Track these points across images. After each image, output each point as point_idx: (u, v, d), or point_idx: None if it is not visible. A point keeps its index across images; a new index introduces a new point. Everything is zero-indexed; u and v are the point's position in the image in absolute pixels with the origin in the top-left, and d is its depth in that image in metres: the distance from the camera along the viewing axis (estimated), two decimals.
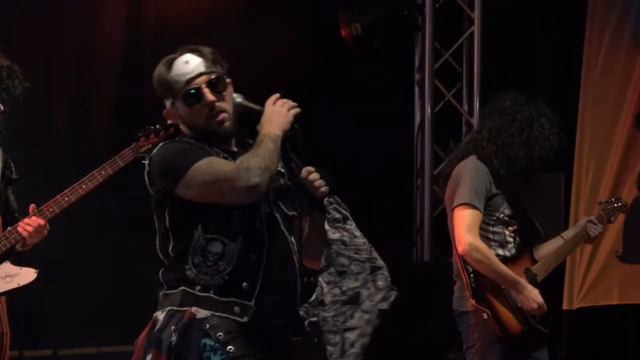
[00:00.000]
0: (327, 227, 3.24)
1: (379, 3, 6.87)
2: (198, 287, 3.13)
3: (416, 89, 7.18)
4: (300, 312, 3.24)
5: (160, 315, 3.18)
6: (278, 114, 3.23)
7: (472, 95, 7.13)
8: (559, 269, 6.46)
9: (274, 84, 6.85)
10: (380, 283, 3.25)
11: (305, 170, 3.26)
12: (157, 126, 4.63)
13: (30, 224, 4.53)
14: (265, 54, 6.80)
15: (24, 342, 5.93)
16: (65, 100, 6.21)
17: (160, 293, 3.23)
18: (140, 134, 4.65)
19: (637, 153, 6.51)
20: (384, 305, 3.25)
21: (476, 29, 7.04)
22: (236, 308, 3.11)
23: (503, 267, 4.38)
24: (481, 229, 4.45)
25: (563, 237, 4.77)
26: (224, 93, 3.26)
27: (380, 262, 3.27)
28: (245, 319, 3.11)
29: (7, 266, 4.59)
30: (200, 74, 3.22)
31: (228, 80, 3.32)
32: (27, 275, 4.64)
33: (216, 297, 3.11)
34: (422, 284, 6.21)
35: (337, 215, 3.24)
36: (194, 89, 3.20)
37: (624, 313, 6.55)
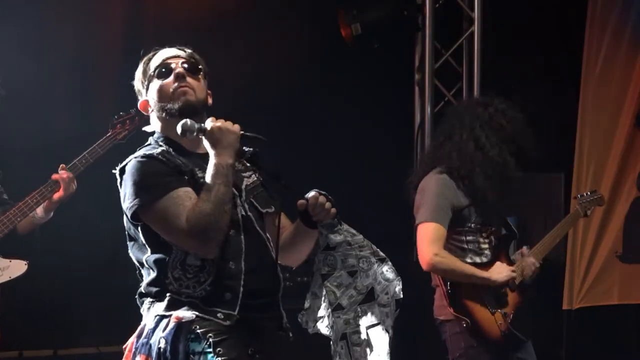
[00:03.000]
0: (324, 232, 3.24)
1: (379, 3, 6.87)
2: (183, 296, 3.13)
3: (416, 89, 7.17)
4: (281, 309, 3.25)
5: (148, 321, 3.18)
6: (226, 132, 3.13)
7: (472, 95, 7.12)
8: (560, 268, 6.48)
9: (274, 84, 6.90)
10: (389, 275, 3.26)
11: (312, 197, 3.21)
12: (132, 111, 4.62)
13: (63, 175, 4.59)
14: (265, 54, 6.81)
15: (24, 342, 5.93)
16: (65, 100, 6.21)
17: (145, 303, 3.22)
18: (115, 121, 4.66)
19: (637, 153, 6.52)
20: (399, 295, 3.26)
21: (476, 29, 7.03)
22: (220, 314, 3.11)
23: (469, 269, 4.42)
24: (455, 240, 4.47)
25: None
26: (199, 78, 3.27)
27: (382, 253, 3.29)
28: (229, 322, 3.11)
29: None
30: (177, 56, 3.26)
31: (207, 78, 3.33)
32: (17, 267, 4.65)
33: (201, 305, 3.11)
34: (422, 284, 6.20)
35: (331, 221, 3.24)
36: (167, 63, 3.24)
37: (624, 313, 6.55)
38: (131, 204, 3.12)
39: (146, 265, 3.20)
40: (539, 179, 6.59)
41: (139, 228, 3.17)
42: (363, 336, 3.21)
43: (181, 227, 3.04)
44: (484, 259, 4.50)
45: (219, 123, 3.14)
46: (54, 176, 4.66)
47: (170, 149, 3.19)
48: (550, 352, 6.41)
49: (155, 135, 3.28)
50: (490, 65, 7.02)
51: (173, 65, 3.24)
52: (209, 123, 3.14)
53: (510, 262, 4.56)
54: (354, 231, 3.28)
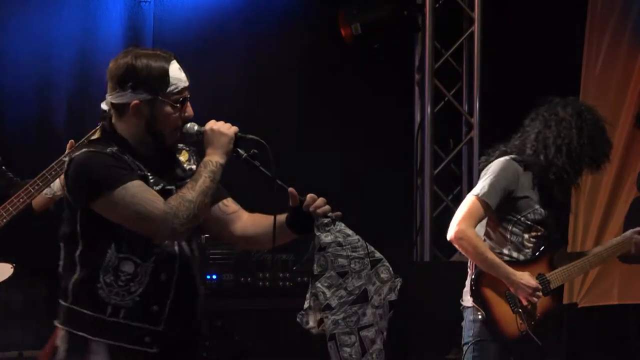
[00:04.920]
0: (317, 232, 3.23)
1: (379, 3, 6.87)
2: (109, 310, 3.11)
3: (416, 89, 7.18)
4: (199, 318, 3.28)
5: (61, 343, 3.19)
6: (219, 135, 3.20)
7: (472, 95, 7.12)
8: None
9: (274, 84, 6.90)
10: (383, 275, 3.25)
11: (309, 197, 3.23)
12: None
13: None
14: (264, 54, 6.81)
15: (24, 342, 5.93)
16: (65, 100, 6.21)
17: (65, 305, 3.20)
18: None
19: (637, 153, 6.51)
20: (393, 297, 3.26)
21: (476, 29, 7.04)
22: (147, 338, 3.13)
23: (492, 257, 4.35)
24: (501, 227, 4.43)
25: (587, 253, 4.71)
26: None
27: (378, 254, 3.27)
28: (155, 349, 3.13)
29: None
30: (187, 87, 3.25)
31: None
32: (3, 271, 4.61)
33: (126, 322, 3.12)
34: (422, 284, 6.21)
35: (325, 220, 3.24)
36: (185, 97, 3.24)
37: (624, 313, 6.55)
38: (90, 191, 3.08)
39: (76, 262, 3.16)
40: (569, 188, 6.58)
41: (78, 217, 3.14)
42: (354, 337, 3.21)
43: (158, 210, 3.06)
44: (522, 257, 4.44)
45: (214, 125, 3.21)
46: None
47: (124, 150, 3.17)
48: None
49: (112, 135, 3.23)
50: (490, 65, 7.02)
51: (187, 101, 3.24)
52: (207, 126, 3.22)
53: (552, 268, 4.50)
54: (349, 232, 3.26)
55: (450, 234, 4.38)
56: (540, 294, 4.38)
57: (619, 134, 6.52)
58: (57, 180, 4.56)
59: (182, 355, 3.23)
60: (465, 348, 4.45)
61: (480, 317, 4.35)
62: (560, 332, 4.54)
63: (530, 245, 4.46)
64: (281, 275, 6.00)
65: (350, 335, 3.19)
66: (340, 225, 3.25)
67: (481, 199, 4.36)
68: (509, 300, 4.37)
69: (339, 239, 3.22)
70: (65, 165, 3.17)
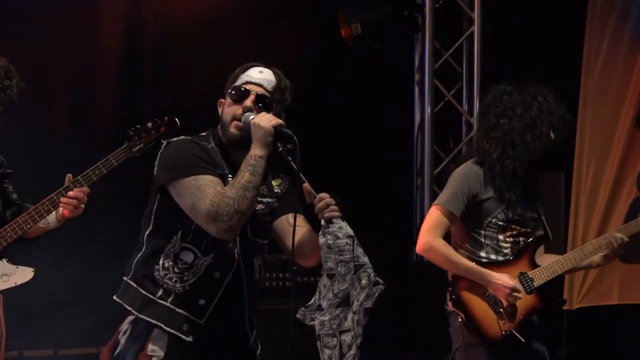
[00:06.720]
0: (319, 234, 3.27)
1: (379, 3, 6.87)
2: (160, 292, 3.27)
3: (416, 89, 7.18)
4: (247, 331, 3.40)
5: (124, 326, 3.35)
6: (257, 128, 3.27)
7: (472, 95, 7.13)
8: None
9: None
10: (363, 281, 3.27)
11: (317, 197, 3.29)
12: (149, 124, 4.62)
13: (74, 197, 4.51)
14: (265, 54, 6.80)
15: (24, 342, 5.94)
16: (65, 101, 6.22)
17: (125, 280, 3.37)
18: (132, 133, 4.65)
19: (637, 153, 6.51)
20: (369, 304, 3.27)
21: (476, 29, 7.04)
22: (185, 326, 3.25)
23: (464, 262, 4.35)
24: (475, 232, 4.41)
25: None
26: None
27: (363, 259, 3.29)
28: (191, 338, 3.25)
29: (4, 265, 4.59)
30: (259, 84, 3.36)
31: (281, 115, 3.44)
32: (23, 274, 4.64)
33: (172, 306, 3.26)
34: (422, 284, 6.21)
35: (322, 222, 3.26)
36: (244, 88, 3.34)
37: (624, 313, 6.55)
38: (169, 173, 3.25)
39: (144, 241, 3.34)
40: (539, 179, 6.58)
41: (157, 199, 3.31)
42: (336, 340, 3.23)
43: (204, 205, 3.17)
44: (500, 258, 4.41)
45: (257, 119, 3.28)
46: (62, 200, 4.53)
47: (218, 150, 3.35)
48: (550, 352, 6.41)
49: (214, 131, 3.42)
50: (490, 65, 7.02)
51: (248, 93, 3.35)
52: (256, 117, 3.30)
53: (534, 265, 4.48)
54: (340, 234, 3.26)
55: (418, 247, 4.40)
56: (519, 294, 4.35)
57: (619, 134, 6.53)
58: (54, 212, 4.57)
59: (219, 354, 3.32)
60: (457, 353, 4.43)
61: (460, 320, 4.33)
62: (549, 330, 4.50)
63: (508, 245, 4.43)
64: (281, 275, 6.00)
65: (332, 338, 3.24)
66: (334, 227, 3.25)
67: (443, 207, 4.35)
68: (490, 301, 4.35)
69: (329, 242, 3.25)
70: (162, 147, 3.34)
